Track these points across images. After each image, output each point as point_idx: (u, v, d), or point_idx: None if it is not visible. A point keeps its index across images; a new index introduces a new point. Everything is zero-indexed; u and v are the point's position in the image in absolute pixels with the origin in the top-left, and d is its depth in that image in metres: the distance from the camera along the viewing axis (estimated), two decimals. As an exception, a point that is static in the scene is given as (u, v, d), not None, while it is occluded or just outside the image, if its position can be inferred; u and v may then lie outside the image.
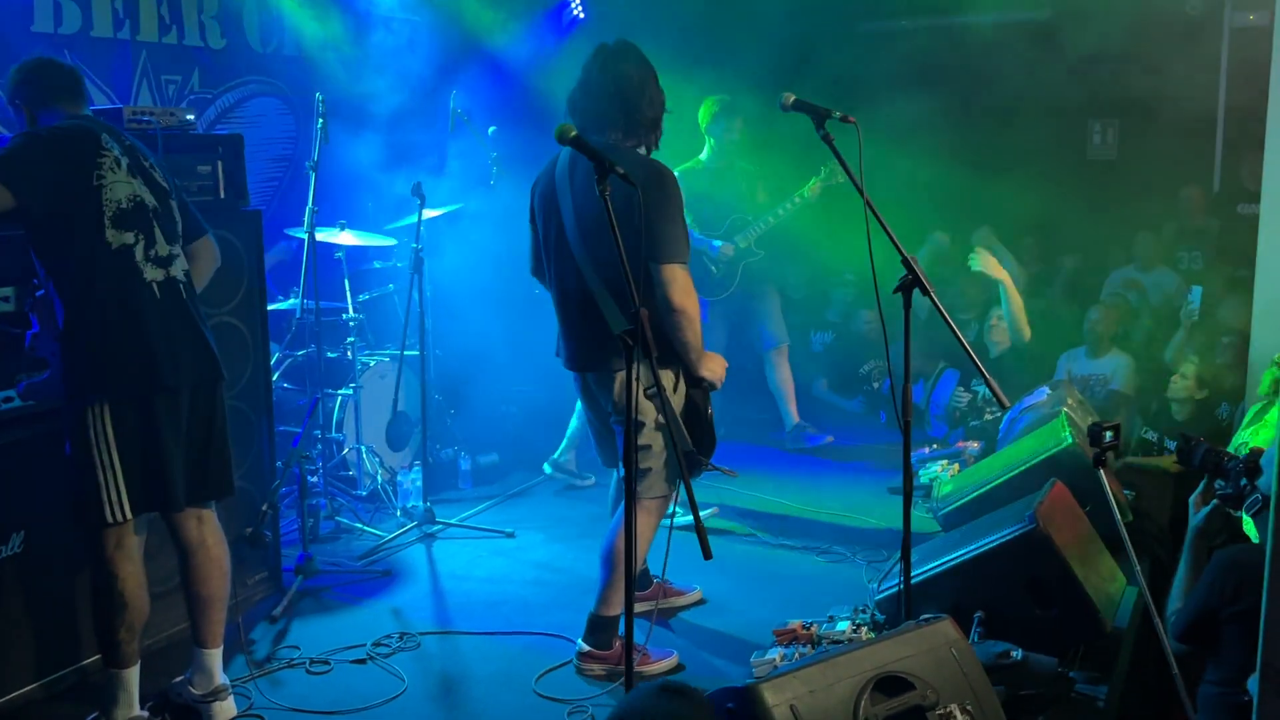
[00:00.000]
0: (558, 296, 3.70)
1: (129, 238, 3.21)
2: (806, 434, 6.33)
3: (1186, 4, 7.52)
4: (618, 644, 3.74)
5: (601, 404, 3.71)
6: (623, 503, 3.70)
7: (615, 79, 3.52)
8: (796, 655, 3.60)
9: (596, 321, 3.53)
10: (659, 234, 3.37)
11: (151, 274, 3.25)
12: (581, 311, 3.59)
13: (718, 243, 5.86)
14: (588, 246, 3.50)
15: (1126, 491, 4.40)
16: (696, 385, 3.61)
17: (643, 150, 3.62)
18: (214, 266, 3.59)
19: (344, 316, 5.70)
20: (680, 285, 3.44)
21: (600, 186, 2.77)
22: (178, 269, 3.35)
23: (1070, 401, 4.86)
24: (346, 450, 5.58)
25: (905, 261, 3.16)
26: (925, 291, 3.12)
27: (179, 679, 3.56)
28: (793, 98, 3.40)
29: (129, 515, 3.21)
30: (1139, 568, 2.84)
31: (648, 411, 3.56)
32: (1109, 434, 3.06)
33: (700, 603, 4.40)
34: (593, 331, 3.56)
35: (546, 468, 5.92)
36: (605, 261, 3.46)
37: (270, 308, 4.81)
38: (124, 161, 3.26)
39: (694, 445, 3.56)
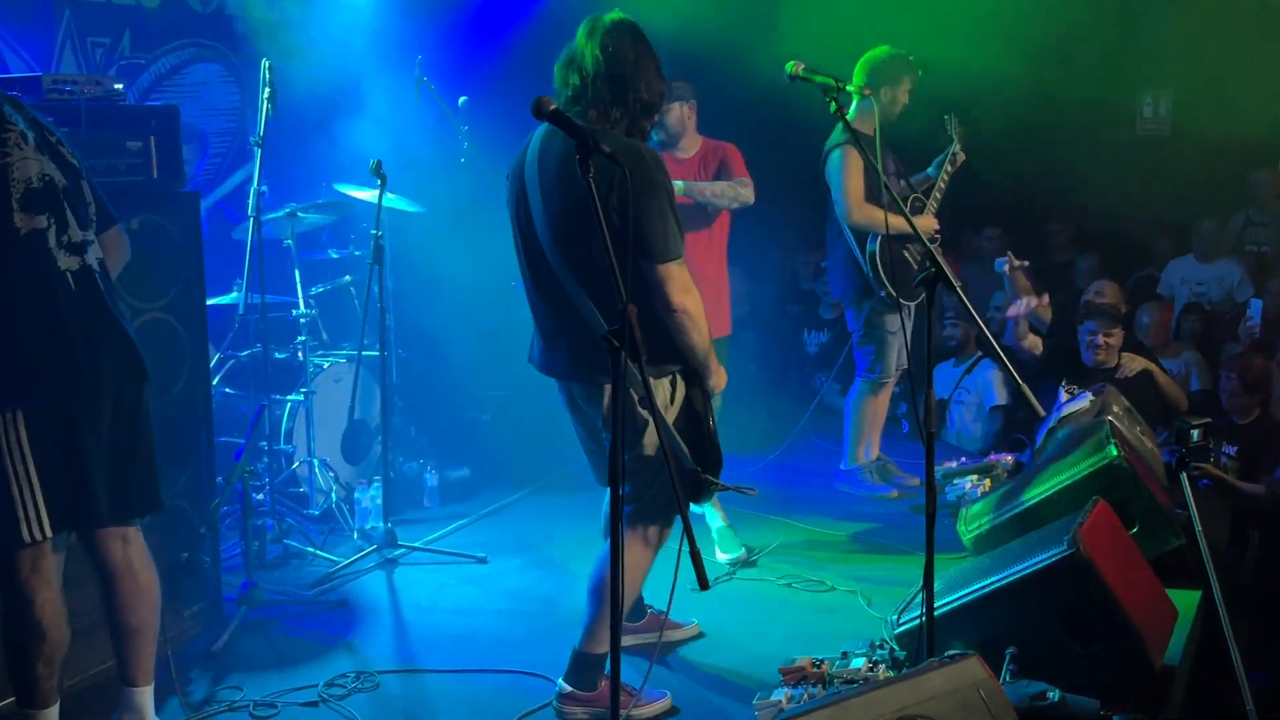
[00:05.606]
0: (531, 296, 3.70)
1: (40, 221, 3.20)
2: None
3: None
4: (603, 684, 3.75)
5: (590, 418, 3.72)
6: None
7: (607, 56, 3.49)
8: (805, 696, 3.61)
9: (576, 325, 3.53)
10: (650, 228, 3.37)
11: (65, 262, 3.25)
12: (558, 314, 3.59)
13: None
14: (558, 240, 3.49)
15: (1176, 509, 4.42)
16: (696, 385, 3.62)
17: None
18: (123, 260, 3.57)
19: (294, 312, 5.70)
20: (679, 282, 3.43)
21: (583, 167, 2.77)
22: (92, 256, 3.33)
23: (1115, 409, 4.88)
24: (297, 464, 5.58)
25: (926, 251, 3.19)
26: (950, 286, 3.14)
27: (105, 724, 3.56)
28: (801, 66, 3.42)
29: (48, 533, 3.21)
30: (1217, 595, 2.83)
31: (641, 425, 3.56)
32: (1196, 432, 2.98)
33: (698, 637, 4.41)
34: (572, 336, 3.56)
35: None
36: (581, 256, 3.45)
37: (210, 302, 4.81)
38: (30, 136, 3.24)
39: (697, 463, 3.57)
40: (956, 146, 5.93)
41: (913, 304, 5.75)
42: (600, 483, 3.97)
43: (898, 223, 5.30)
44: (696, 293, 3.51)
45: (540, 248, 3.55)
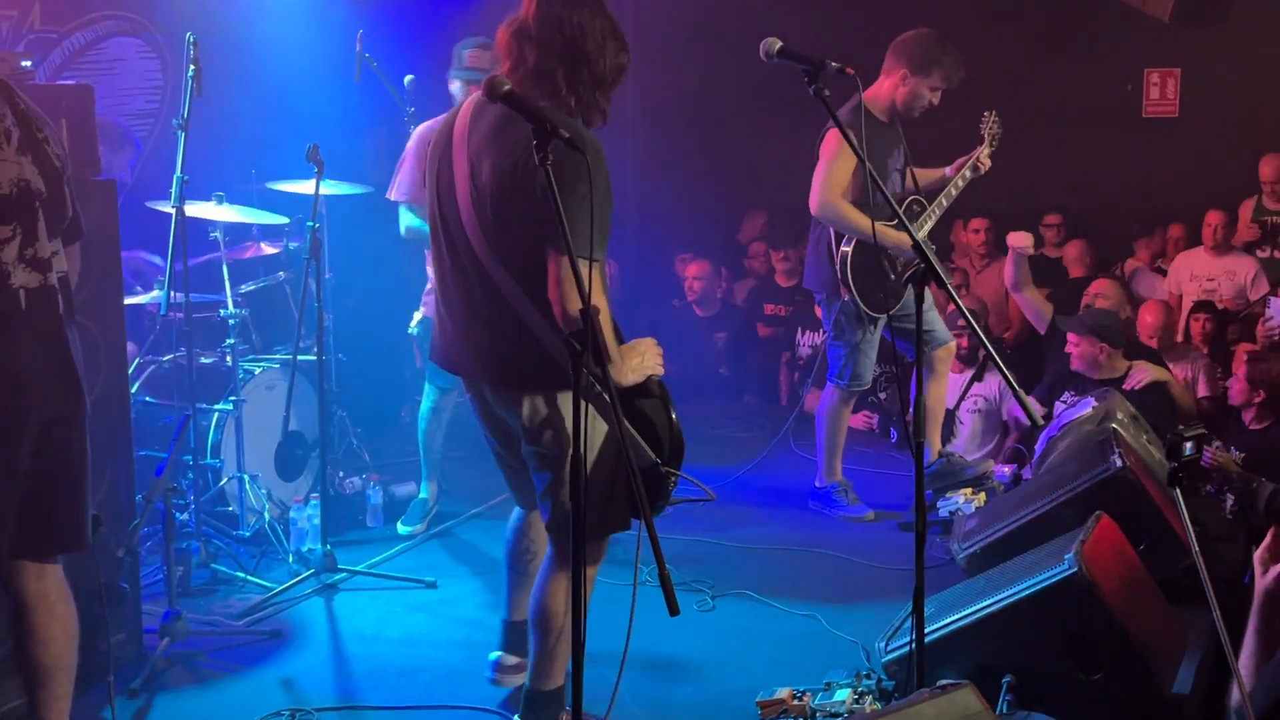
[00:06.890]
0: (443, 280, 3.59)
1: (4, 232, 3.17)
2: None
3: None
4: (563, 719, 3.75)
5: (508, 424, 3.62)
6: (544, 552, 3.71)
7: (561, 27, 3.44)
8: (785, 732, 3.64)
9: (498, 318, 3.43)
10: (577, 220, 3.20)
11: (21, 279, 3.21)
12: (475, 304, 3.48)
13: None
14: (483, 220, 3.39)
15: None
16: (640, 395, 3.52)
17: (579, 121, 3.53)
18: (72, 278, 3.52)
19: (222, 313, 5.66)
20: (584, 284, 3.34)
21: (540, 154, 2.78)
22: (55, 274, 3.31)
23: (1120, 416, 4.94)
24: (225, 480, 5.55)
25: (915, 245, 3.21)
26: (940, 282, 3.17)
27: (12, 770, 3.54)
28: (778, 44, 3.44)
29: None
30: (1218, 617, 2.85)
31: (571, 434, 3.48)
32: (1190, 445, 3.00)
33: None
34: (492, 330, 3.46)
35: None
36: (511, 241, 3.35)
37: (127, 302, 4.77)
38: (14, 134, 3.22)
39: (655, 455, 3.46)
40: (985, 150, 5.57)
41: (880, 317, 5.61)
42: (520, 504, 3.93)
43: (880, 231, 5.28)
44: (603, 301, 3.34)
45: (461, 227, 3.45)
